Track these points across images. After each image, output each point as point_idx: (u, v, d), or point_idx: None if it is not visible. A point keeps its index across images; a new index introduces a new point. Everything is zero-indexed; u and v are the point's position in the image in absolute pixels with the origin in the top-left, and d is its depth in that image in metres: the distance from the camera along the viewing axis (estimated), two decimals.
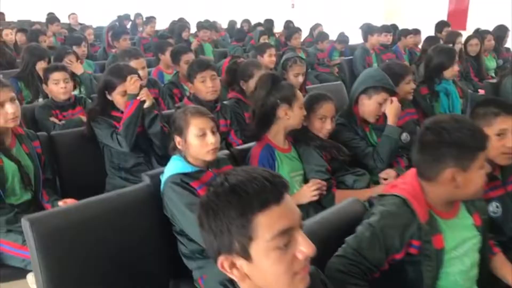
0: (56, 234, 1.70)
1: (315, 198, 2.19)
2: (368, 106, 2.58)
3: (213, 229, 0.96)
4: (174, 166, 1.95)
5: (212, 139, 1.92)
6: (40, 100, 3.91)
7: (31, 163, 2.34)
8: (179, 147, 1.96)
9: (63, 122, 3.20)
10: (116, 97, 2.61)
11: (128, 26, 9.35)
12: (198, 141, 1.91)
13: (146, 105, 2.61)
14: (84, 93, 4.13)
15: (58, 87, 3.17)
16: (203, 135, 1.92)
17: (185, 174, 1.92)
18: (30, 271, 2.10)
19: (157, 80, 3.87)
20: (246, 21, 9.38)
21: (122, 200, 1.92)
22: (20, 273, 2.11)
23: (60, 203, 2.31)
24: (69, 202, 2.27)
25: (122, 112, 2.62)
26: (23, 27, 7.67)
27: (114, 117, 2.64)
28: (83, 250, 1.75)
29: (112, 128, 2.58)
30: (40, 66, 3.84)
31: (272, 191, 0.95)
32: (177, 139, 1.96)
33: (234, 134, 3.03)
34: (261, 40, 6.32)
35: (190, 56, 3.90)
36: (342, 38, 7.10)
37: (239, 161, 2.27)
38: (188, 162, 1.97)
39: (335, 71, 6.62)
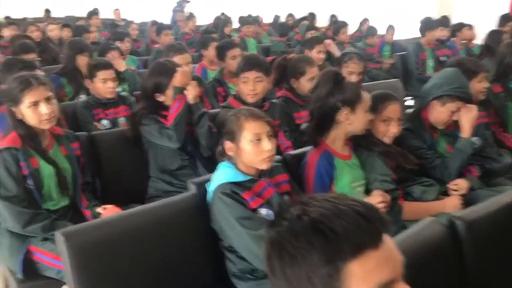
0: (92, 249, 1.53)
1: None
2: (440, 113, 2.31)
3: (288, 277, 0.73)
4: (223, 174, 1.74)
5: (268, 146, 1.69)
6: (82, 97, 3.80)
7: (69, 165, 2.19)
8: (229, 153, 1.75)
9: (105, 122, 3.07)
10: (171, 95, 2.43)
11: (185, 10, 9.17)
12: (252, 148, 1.69)
13: (190, 99, 2.42)
14: (127, 89, 4.01)
15: (105, 86, 3.04)
16: (259, 140, 1.70)
17: (235, 183, 1.70)
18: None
19: (201, 78, 3.68)
20: (291, 15, 9.12)
21: (164, 212, 1.73)
22: (55, 285, 1.95)
23: (99, 209, 2.14)
24: (109, 209, 2.11)
25: (167, 110, 2.43)
26: (68, 23, 7.73)
27: (163, 116, 2.46)
28: (121, 266, 1.58)
29: (161, 124, 2.41)
30: (82, 61, 3.73)
31: (368, 231, 0.71)
32: (228, 144, 1.74)
33: (283, 136, 2.79)
34: (308, 35, 6.03)
35: (237, 52, 3.70)
36: (389, 27, 6.75)
37: (292, 168, 2.04)
38: (239, 170, 1.75)
39: (385, 66, 6.28)
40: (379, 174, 2.09)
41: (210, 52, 4.18)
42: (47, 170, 2.09)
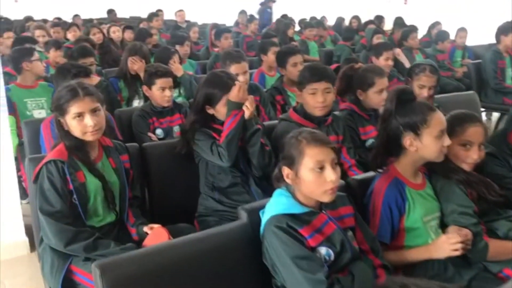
0: (130, 283, 1.38)
1: (457, 253, 1.66)
2: None
3: None
4: (279, 204, 1.54)
5: (332, 176, 1.48)
6: (136, 102, 3.75)
7: (117, 179, 2.07)
8: (287, 180, 1.55)
9: (159, 131, 2.97)
10: (222, 109, 2.27)
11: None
12: (314, 177, 1.49)
13: (246, 116, 2.24)
14: (183, 95, 3.91)
15: (163, 94, 2.94)
16: (321, 169, 1.49)
17: (292, 215, 1.50)
18: None
19: (259, 86, 3.50)
20: (355, 17, 8.76)
21: (211, 243, 1.56)
22: None
23: (146, 229, 2.01)
24: (155, 230, 1.97)
25: (222, 124, 2.27)
26: (131, 24, 7.82)
27: (214, 129, 2.30)
28: None
29: (212, 140, 2.25)
30: (138, 66, 3.66)
31: None
32: (286, 170, 1.54)
33: (346, 153, 2.56)
34: (375, 40, 5.72)
35: (298, 59, 3.49)
36: (460, 29, 6.28)
37: (357, 196, 1.81)
38: (297, 200, 1.55)
39: (457, 74, 5.85)
40: (458, 206, 1.81)
41: (270, 57, 4.00)
42: (93, 184, 1.98)
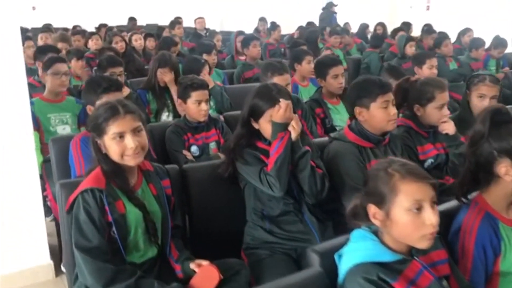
0: None
1: None
2: None
3: None
4: (364, 250, 1.30)
5: (433, 218, 1.24)
6: (165, 116, 3.54)
7: (158, 208, 1.85)
8: (375, 221, 1.31)
9: (194, 148, 2.75)
10: (265, 126, 2.04)
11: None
12: (410, 219, 1.25)
13: (293, 137, 2.00)
14: (214, 108, 3.69)
15: (199, 108, 2.73)
16: (419, 210, 1.25)
17: (381, 264, 1.26)
18: None
19: (300, 99, 3.28)
20: (381, 24, 8.50)
21: None
22: None
23: (193, 266, 1.78)
24: (204, 268, 1.74)
25: (269, 143, 2.04)
26: (150, 31, 7.65)
27: (260, 150, 2.07)
28: None
29: (260, 166, 2.01)
30: (168, 77, 3.46)
31: None
32: (373, 209, 1.31)
33: None
34: (408, 48, 5.47)
35: (340, 70, 3.25)
36: (499, 42, 5.98)
37: (443, 233, 1.56)
38: (385, 244, 1.31)
39: None
40: None
41: (304, 67, 3.78)
42: (134, 214, 1.76)
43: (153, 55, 6.22)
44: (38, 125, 3.11)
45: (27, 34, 6.13)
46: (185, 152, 2.71)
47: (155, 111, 3.56)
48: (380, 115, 2.14)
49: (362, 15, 11.34)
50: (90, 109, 2.52)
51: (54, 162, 2.62)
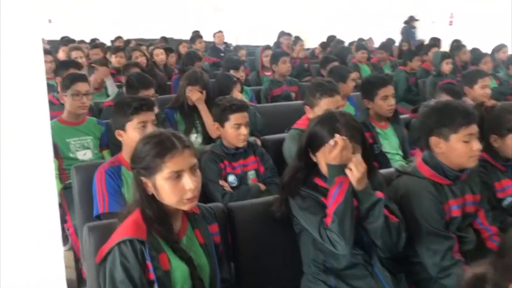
0: None
1: None
2: None
3: None
4: None
5: None
6: (193, 137, 3.24)
7: (206, 260, 1.54)
8: None
9: (231, 178, 2.44)
10: (322, 160, 1.73)
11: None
12: None
13: (354, 182, 1.67)
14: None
15: (238, 132, 2.44)
16: None
17: None
18: None
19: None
20: (406, 40, 8.21)
21: None
22: None
23: None
24: None
25: (326, 180, 1.73)
26: (166, 45, 7.40)
27: (320, 190, 1.75)
28: None
29: (320, 215, 1.67)
30: (198, 96, 3.17)
31: None
32: None
33: (484, 218, 1.98)
34: (444, 65, 5.14)
35: (390, 90, 2.93)
36: None
37: None
38: None
39: None
40: None
41: (349, 85, 3.50)
42: (180, 271, 1.46)
43: (175, 70, 5.98)
44: (56, 151, 2.80)
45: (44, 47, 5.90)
46: (222, 182, 2.40)
47: (183, 132, 3.26)
48: (462, 149, 1.81)
49: (380, 30, 11.06)
50: (120, 134, 2.23)
51: (77, 194, 2.32)
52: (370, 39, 9.11)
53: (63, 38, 8.11)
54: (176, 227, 1.52)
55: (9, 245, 1.89)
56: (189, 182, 1.43)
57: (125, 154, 2.23)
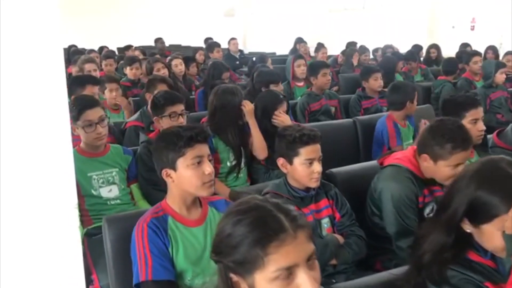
0: None
1: None
2: None
3: None
4: None
5: None
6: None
7: None
8: None
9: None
10: (492, 234, 1.21)
11: None
12: None
13: None
14: None
15: (310, 169, 1.95)
16: None
17: None
18: None
19: None
20: (435, 46, 7.73)
21: None
22: None
23: None
24: None
25: (491, 257, 1.22)
26: (180, 53, 6.91)
27: (478, 269, 1.24)
28: None
29: None
30: (250, 106, 2.69)
31: None
32: None
33: None
34: (499, 75, 4.63)
35: (480, 113, 2.44)
36: None
37: None
38: None
39: None
40: None
41: (415, 104, 3.01)
42: None
43: (195, 82, 5.48)
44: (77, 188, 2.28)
45: None
46: None
47: (229, 165, 2.78)
48: None
49: (397, 36, 10.58)
50: (168, 174, 1.71)
51: (110, 252, 1.80)
52: (391, 46, 8.59)
53: (70, 47, 7.61)
54: None
55: None
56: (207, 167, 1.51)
57: (173, 199, 1.74)
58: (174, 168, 1.69)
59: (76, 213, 1.96)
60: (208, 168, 1.67)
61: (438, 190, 2.10)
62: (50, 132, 1.49)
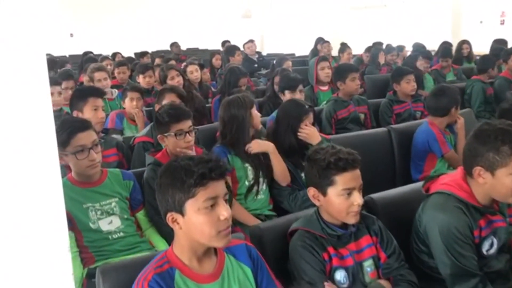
0: None
1: None
2: None
3: None
4: None
5: None
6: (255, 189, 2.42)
7: None
8: None
9: (344, 275, 1.56)
10: None
11: None
12: None
13: None
14: None
15: (349, 201, 1.61)
16: None
17: None
18: None
19: None
20: (467, 42, 7.24)
21: None
22: None
23: None
24: None
25: None
26: (195, 58, 6.61)
27: None
28: None
29: None
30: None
31: None
32: None
33: None
34: None
35: None
36: None
37: None
38: None
39: None
40: None
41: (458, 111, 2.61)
42: None
43: (211, 88, 5.16)
44: (71, 222, 1.96)
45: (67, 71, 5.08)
46: (328, 286, 1.52)
47: (244, 189, 2.44)
48: None
49: (420, 31, 10.11)
50: (175, 219, 1.36)
51: None
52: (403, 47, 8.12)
53: (85, 53, 7.37)
54: None
55: None
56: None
57: (181, 249, 1.40)
58: (181, 212, 1.34)
59: (68, 257, 1.62)
60: (224, 212, 1.32)
61: (498, 220, 1.72)
62: (32, 159, 1.13)
